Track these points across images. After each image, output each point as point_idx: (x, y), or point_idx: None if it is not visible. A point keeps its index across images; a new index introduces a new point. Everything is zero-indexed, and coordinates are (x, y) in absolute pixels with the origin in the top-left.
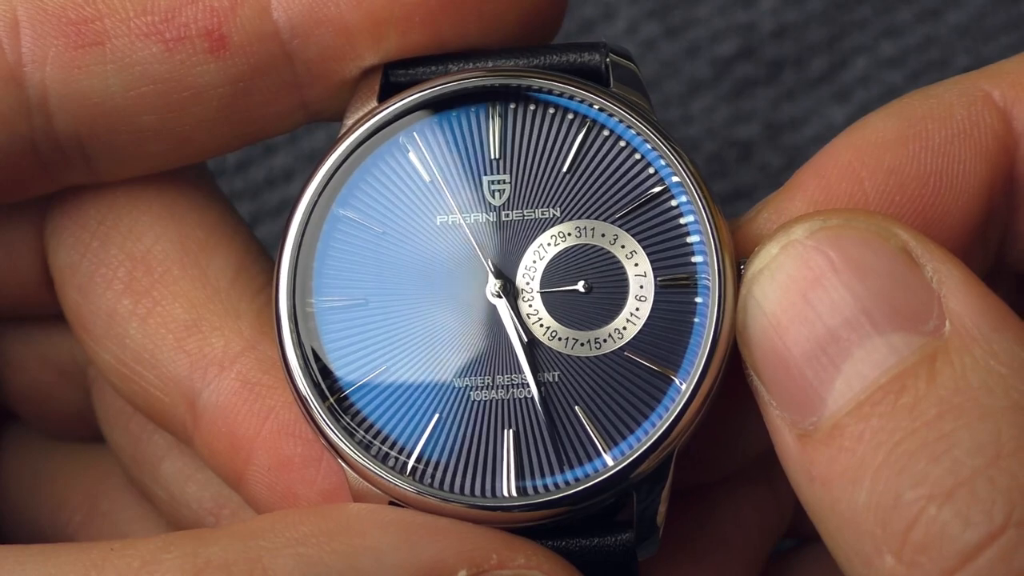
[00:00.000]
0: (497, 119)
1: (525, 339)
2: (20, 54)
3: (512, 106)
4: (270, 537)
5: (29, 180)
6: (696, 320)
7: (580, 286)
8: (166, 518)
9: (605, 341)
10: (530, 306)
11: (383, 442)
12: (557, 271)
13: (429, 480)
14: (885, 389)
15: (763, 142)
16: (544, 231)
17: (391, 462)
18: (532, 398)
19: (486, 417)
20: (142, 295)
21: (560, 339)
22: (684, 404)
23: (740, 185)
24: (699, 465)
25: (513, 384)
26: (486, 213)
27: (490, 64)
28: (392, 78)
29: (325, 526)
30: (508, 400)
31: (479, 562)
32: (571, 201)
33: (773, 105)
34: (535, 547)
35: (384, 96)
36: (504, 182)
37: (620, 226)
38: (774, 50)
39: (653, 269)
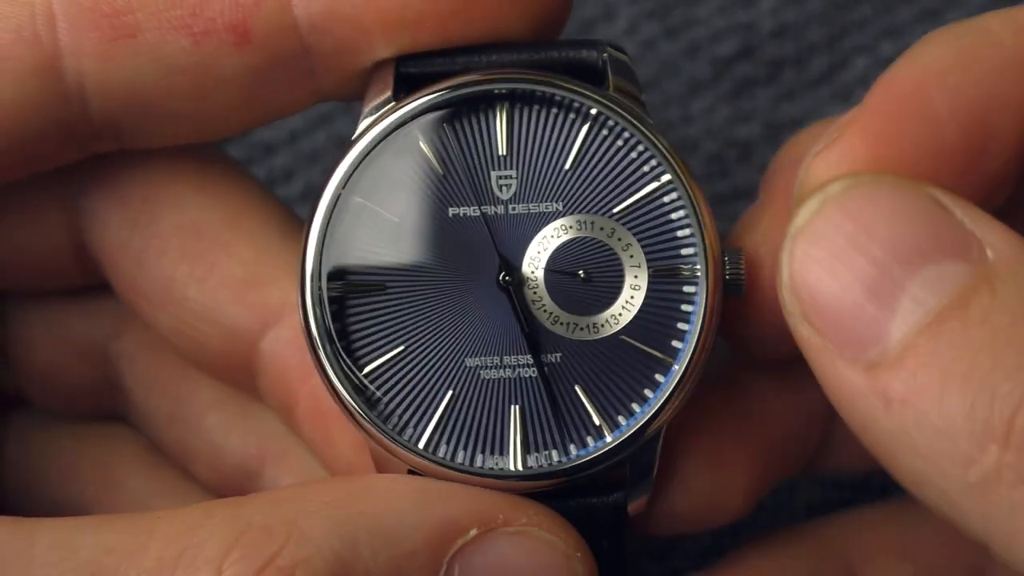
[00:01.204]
0: (504, 119)
1: (524, 326)
2: (58, 46)
3: (518, 107)
4: (303, 502)
5: (59, 153)
6: (685, 308)
7: (580, 275)
8: (203, 472)
9: (603, 326)
10: (535, 292)
11: (401, 415)
12: (559, 261)
13: (443, 451)
14: (950, 308)
15: (763, 142)
16: (548, 224)
17: (408, 434)
18: (536, 377)
19: (495, 394)
20: (198, 259)
21: (562, 323)
22: (676, 384)
23: (740, 185)
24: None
25: (519, 364)
26: (494, 206)
27: (494, 57)
28: (403, 68)
29: (352, 492)
30: (515, 379)
31: (487, 521)
32: (573, 196)
33: (773, 105)
34: (537, 507)
35: (397, 85)
36: (511, 177)
37: (617, 220)
38: (774, 50)
39: (647, 260)
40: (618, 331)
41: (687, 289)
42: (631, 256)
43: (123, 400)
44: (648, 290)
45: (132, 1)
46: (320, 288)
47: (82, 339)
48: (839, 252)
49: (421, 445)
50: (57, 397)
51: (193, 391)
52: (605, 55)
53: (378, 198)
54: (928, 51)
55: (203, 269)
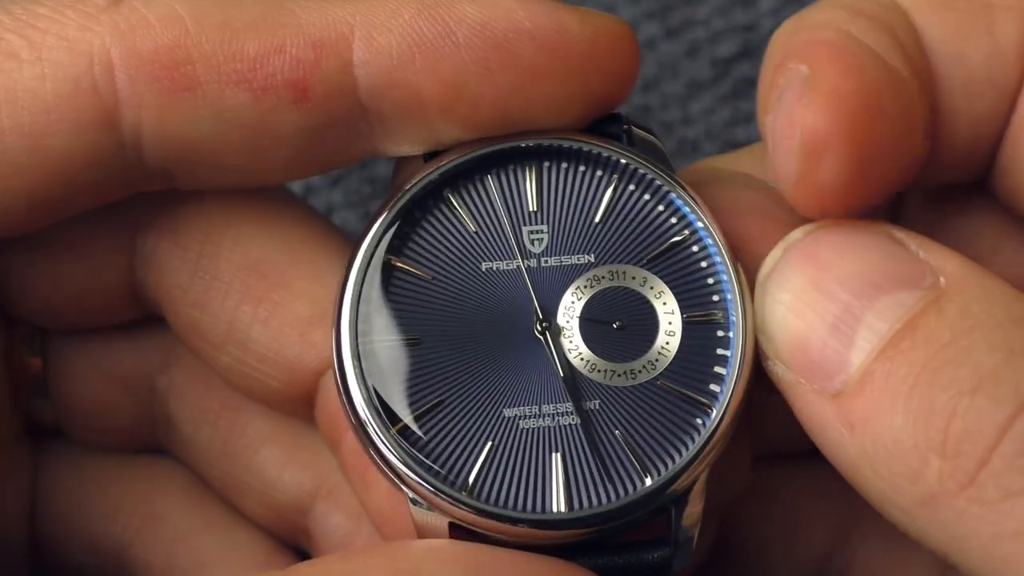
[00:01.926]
0: (533, 176)
1: (563, 373)
2: (116, 97)
3: (547, 164)
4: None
5: (110, 195)
6: (721, 351)
7: (615, 323)
8: (253, 508)
9: (640, 372)
10: (571, 342)
11: (441, 467)
12: (594, 310)
13: (486, 499)
14: (901, 333)
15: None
16: (581, 275)
17: (449, 483)
18: (576, 424)
19: (535, 443)
20: (261, 300)
21: (599, 371)
22: (715, 427)
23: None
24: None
25: (558, 412)
26: (527, 259)
27: None
28: None
29: (396, 567)
30: (554, 427)
31: None
32: (604, 248)
33: None
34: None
35: (428, 154)
36: (542, 231)
37: (648, 269)
38: None
39: (680, 307)
40: (655, 376)
41: (721, 333)
42: (664, 303)
43: (169, 435)
44: (683, 336)
45: (192, 53)
46: (357, 345)
47: (128, 373)
48: (802, 294)
49: (463, 495)
50: (98, 432)
51: (245, 425)
52: (624, 129)
53: (411, 256)
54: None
55: (266, 310)
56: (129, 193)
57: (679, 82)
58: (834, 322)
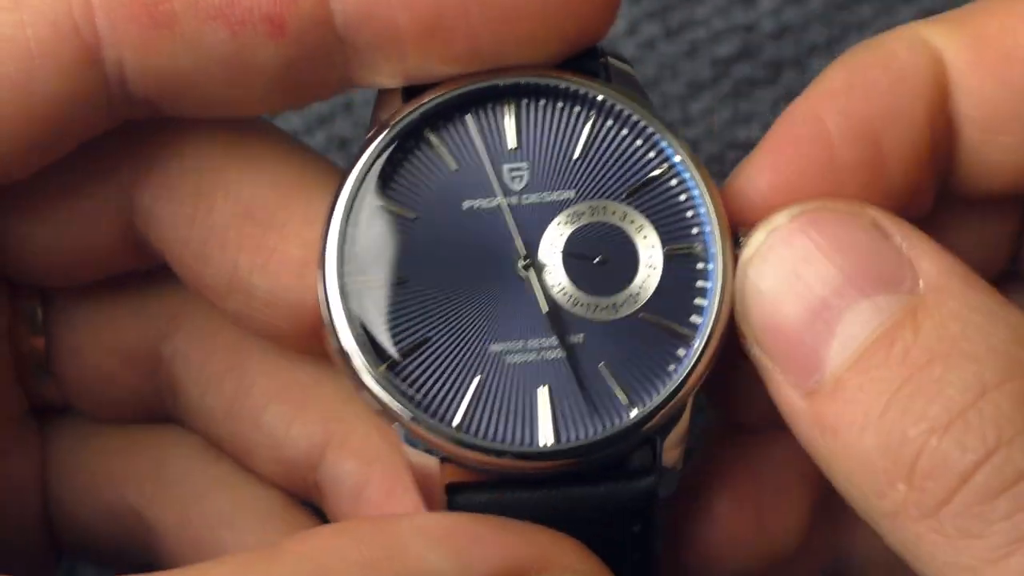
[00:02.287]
0: (512, 113)
1: (546, 308)
2: (97, 37)
3: (525, 101)
4: (336, 558)
5: (99, 128)
6: (700, 284)
7: (597, 258)
8: (264, 465)
9: (622, 305)
10: (553, 277)
11: (431, 402)
12: (576, 245)
13: (474, 432)
14: (877, 344)
15: None
16: (561, 211)
17: (439, 418)
18: (561, 358)
19: (521, 377)
20: (257, 247)
21: (582, 305)
22: (697, 358)
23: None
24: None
25: (543, 347)
26: (508, 197)
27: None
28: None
29: (385, 545)
30: (540, 361)
31: (523, 571)
32: (584, 183)
33: (773, 106)
34: (574, 548)
35: (407, 94)
36: (523, 169)
37: (628, 204)
38: (774, 51)
39: (660, 240)
40: (637, 309)
41: (701, 266)
42: (645, 237)
43: (175, 402)
44: (664, 269)
45: None
46: (343, 284)
47: (132, 344)
48: (782, 282)
49: (453, 428)
50: (105, 404)
51: (250, 385)
52: (604, 61)
53: (393, 196)
54: (826, 75)
55: (263, 256)
56: (117, 123)
57: (679, 82)
58: (811, 318)
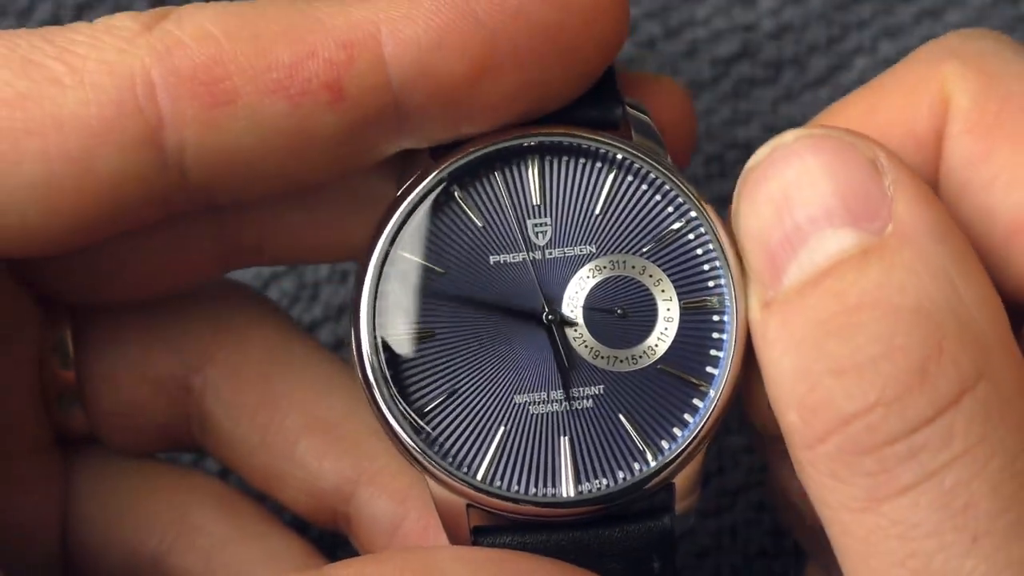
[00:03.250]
0: (536, 170)
1: (568, 360)
2: (160, 116)
3: (548, 158)
4: None
5: (150, 217)
6: (716, 336)
7: (617, 311)
8: (295, 497)
9: (640, 357)
10: (575, 330)
11: (457, 453)
12: (597, 299)
13: (499, 483)
14: (824, 273)
15: (763, 143)
16: (583, 265)
17: (465, 469)
18: (582, 409)
19: (544, 427)
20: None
21: (602, 357)
22: (712, 407)
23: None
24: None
25: (565, 398)
26: (533, 252)
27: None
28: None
29: (424, 570)
30: (562, 412)
31: None
32: (604, 239)
33: (773, 106)
34: None
35: (434, 153)
36: (546, 224)
37: (647, 258)
38: (774, 51)
39: (677, 294)
40: (655, 361)
41: (716, 318)
42: (663, 291)
43: (204, 433)
44: (680, 321)
45: (229, 67)
46: (374, 338)
47: (164, 373)
48: (771, 197)
49: (478, 479)
50: (133, 435)
51: (283, 418)
52: (624, 111)
53: (423, 252)
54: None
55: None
56: (162, 216)
57: (679, 82)
58: (786, 234)
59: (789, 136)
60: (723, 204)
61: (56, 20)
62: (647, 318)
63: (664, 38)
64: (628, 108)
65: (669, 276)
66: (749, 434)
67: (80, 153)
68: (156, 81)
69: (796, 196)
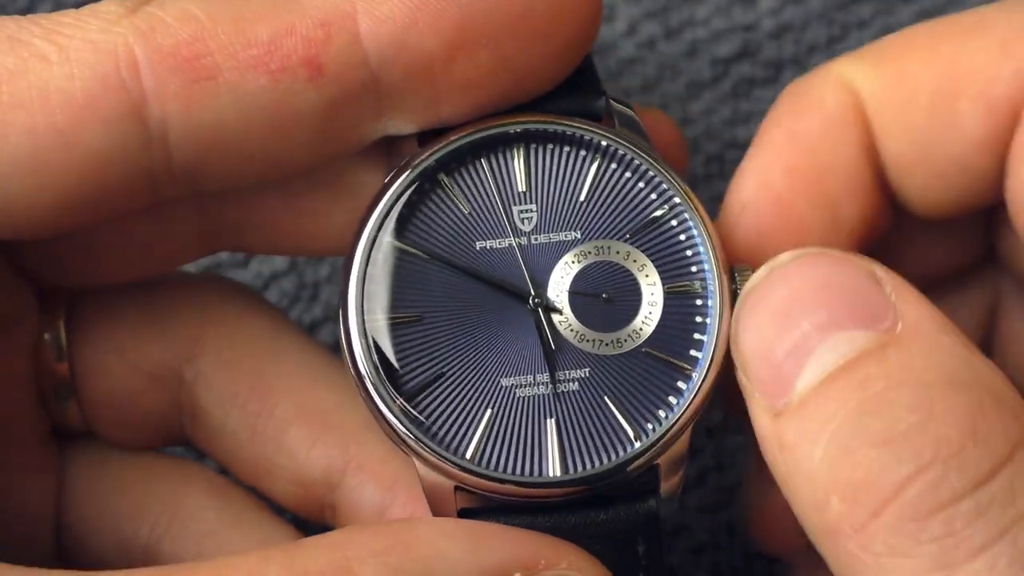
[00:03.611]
0: (521, 157)
1: (554, 344)
2: (142, 92)
3: (533, 146)
4: (356, 548)
5: (136, 201)
6: (700, 319)
7: (602, 295)
8: (283, 487)
9: (625, 341)
10: (561, 314)
11: (445, 435)
12: (582, 284)
13: (486, 464)
14: (843, 369)
15: None
16: (568, 251)
17: (453, 451)
18: (568, 392)
19: (531, 410)
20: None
21: (588, 340)
22: (696, 390)
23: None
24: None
25: (551, 381)
26: (519, 237)
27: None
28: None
29: (403, 538)
30: (548, 395)
31: (531, 565)
32: (589, 224)
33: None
34: (576, 551)
35: (421, 140)
36: (531, 211)
37: (631, 244)
38: (774, 51)
39: (661, 278)
40: (640, 344)
41: (700, 303)
42: (647, 275)
43: (195, 424)
44: (664, 305)
45: (210, 44)
46: (363, 322)
47: (155, 365)
48: (773, 315)
49: (467, 459)
50: (126, 426)
51: (273, 407)
52: (606, 104)
53: (410, 238)
54: (765, 132)
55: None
56: (150, 202)
57: (679, 82)
58: (791, 347)
59: (785, 256)
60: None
61: None
62: (632, 302)
63: (664, 38)
64: (612, 101)
65: (653, 261)
66: (749, 432)
67: (65, 127)
68: (139, 58)
69: (798, 309)
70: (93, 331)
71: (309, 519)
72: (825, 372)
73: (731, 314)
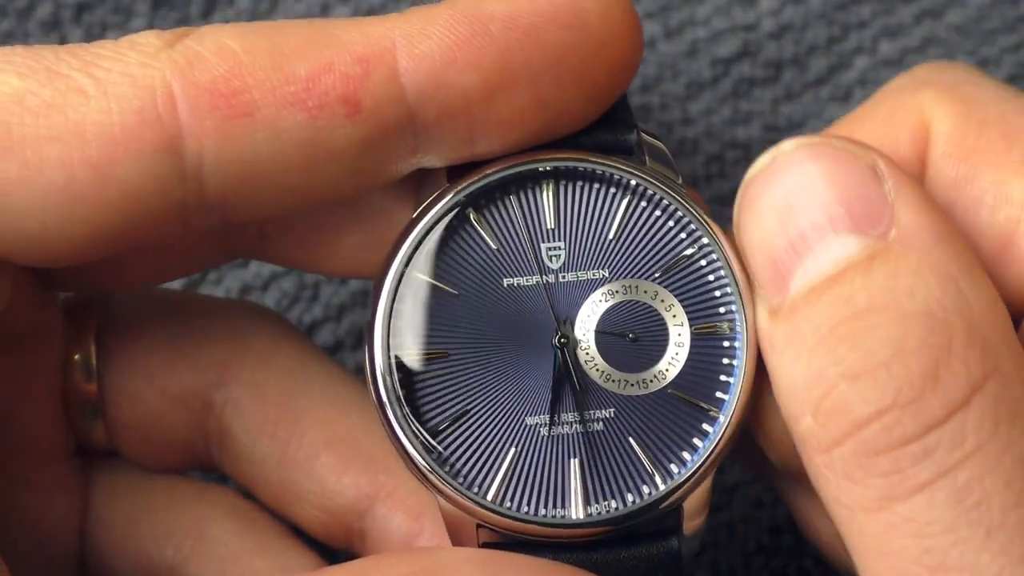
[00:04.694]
0: (551, 194)
1: (580, 384)
2: (179, 127)
3: (563, 183)
4: (376, 573)
5: (168, 232)
6: (727, 361)
7: (628, 335)
8: (311, 513)
9: (651, 381)
10: (587, 353)
11: (468, 473)
12: (608, 323)
13: (509, 504)
14: (831, 279)
15: (763, 143)
16: (596, 290)
17: (475, 490)
18: (593, 432)
19: (554, 449)
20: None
21: (613, 380)
22: (722, 432)
23: (740, 187)
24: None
25: (576, 420)
26: (546, 275)
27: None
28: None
29: (423, 565)
30: (572, 434)
31: None
32: (617, 263)
33: (773, 106)
34: None
35: (451, 175)
36: (560, 248)
37: (659, 283)
38: (774, 51)
39: (688, 319)
40: (666, 385)
41: (727, 344)
42: (674, 316)
43: (223, 450)
44: (691, 346)
45: (248, 80)
46: (388, 357)
47: (185, 388)
48: (774, 205)
49: (488, 499)
50: (152, 449)
51: (302, 434)
52: (637, 136)
53: (438, 273)
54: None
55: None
56: (181, 231)
57: (679, 82)
58: (791, 242)
59: (788, 145)
60: (723, 203)
61: (56, 20)
62: (658, 343)
63: (664, 38)
64: (642, 134)
65: (681, 301)
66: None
67: (101, 160)
68: (176, 92)
69: (798, 203)
70: (122, 353)
71: (336, 547)
72: (816, 278)
73: (757, 355)
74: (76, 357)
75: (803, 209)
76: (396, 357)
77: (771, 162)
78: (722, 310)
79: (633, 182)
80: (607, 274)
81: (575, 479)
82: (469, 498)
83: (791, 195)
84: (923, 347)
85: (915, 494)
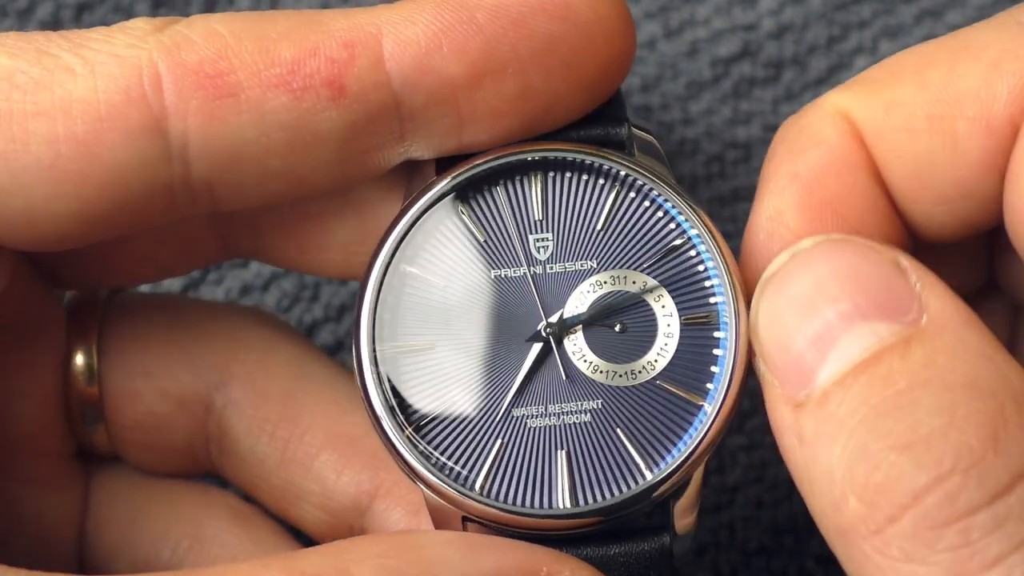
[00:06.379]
0: (538, 185)
1: (567, 375)
2: (164, 106)
3: (551, 174)
4: (355, 551)
5: (156, 216)
6: (716, 352)
7: (616, 326)
8: (311, 513)
9: (640, 372)
10: (575, 344)
11: (455, 464)
12: (597, 314)
13: (495, 495)
14: (865, 363)
15: (763, 143)
16: (584, 280)
17: (462, 481)
18: (580, 423)
19: (541, 441)
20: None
21: (601, 372)
22: (710, 424)
23: (740, 187)
24: None
25: (563, 412)
26: (534, 266)
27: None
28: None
29: (404, 544)
30: (560, 426)
31: (532, 572)
32: (606, 254)
33: (773, 106)
34: (578, 561)
35: (439, 167)
36: (547, 239)
37: (648, 274)
38: (774, 51)
39: (678, 310)
40: (654, 376)
41: (716, 335)
42: (663, 306)
43: (223, 451)
44: (680, 337)
45: (233, 62)
46: (375, 350)
47: (185, 391)
48: (794, 303)
49: (475, 491)
50: (153, 454)
51: (303, 434)
52: (629, 131)
53: (425, 265)
54: (770, 173)
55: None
56: (171, 218)
57: (679, 82)
58: (814, 337)
59: (807, 243)
60: (723, 203)
61: (56, 20)
62: (647, 333)
63: (664, 38)
64: (633, 128)
65: (670, 292)
66: (748, 433)
67: (86, 137)
68: (162, 72)
69: (821, 298)
70: (123, 356)
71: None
72: (848, 365)
73: (746, 346)
74: (78, 359)
75: (828, 302)
76: (382, 349)
77: (788, 261)
78: (711, 301)
79: (622, 173)
80: (595, 265)
81: (562, 471)
82: (455, 490)
83: (812, 291)
84: (976, 413)
85: (989, 570)
